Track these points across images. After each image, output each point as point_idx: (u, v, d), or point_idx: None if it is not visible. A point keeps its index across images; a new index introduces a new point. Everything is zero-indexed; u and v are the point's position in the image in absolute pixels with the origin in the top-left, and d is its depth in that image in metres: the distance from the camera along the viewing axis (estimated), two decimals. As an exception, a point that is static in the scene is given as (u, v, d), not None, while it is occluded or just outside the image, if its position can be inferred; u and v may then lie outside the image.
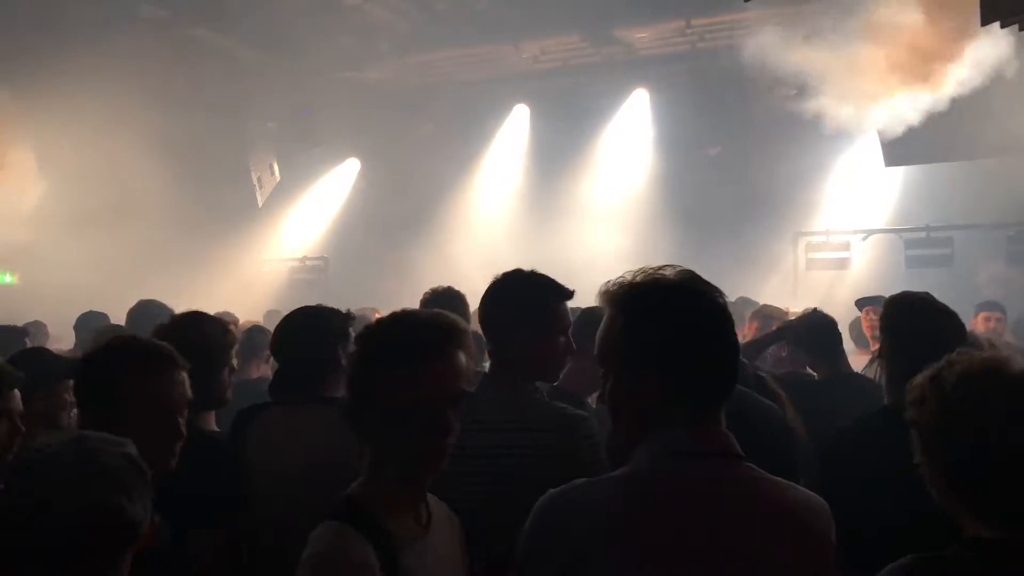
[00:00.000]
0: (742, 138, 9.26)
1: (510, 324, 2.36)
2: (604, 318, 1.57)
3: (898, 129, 7.28)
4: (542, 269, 2.47)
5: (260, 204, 10.54)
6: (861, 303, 5.80)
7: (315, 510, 1.65)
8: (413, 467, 1.61)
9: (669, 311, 1.48)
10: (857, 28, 6.74)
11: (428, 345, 1.60)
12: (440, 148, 10.59)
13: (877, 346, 5.13)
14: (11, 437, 2.49)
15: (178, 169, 8.28)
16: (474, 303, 3.20)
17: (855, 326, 5.94)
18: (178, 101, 8.09)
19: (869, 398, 3.36)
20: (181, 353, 2.06)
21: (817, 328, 4.23)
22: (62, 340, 6.52)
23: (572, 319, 2.51)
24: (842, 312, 5.88)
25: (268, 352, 4.69)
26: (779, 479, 1.49)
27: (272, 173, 10.69)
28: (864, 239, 9.56)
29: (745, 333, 5.31)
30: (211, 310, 3.53)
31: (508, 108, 10.74)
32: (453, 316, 1.69)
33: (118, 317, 5.29)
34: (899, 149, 7.89)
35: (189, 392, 2.05)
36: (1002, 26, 4.58)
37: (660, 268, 1.54)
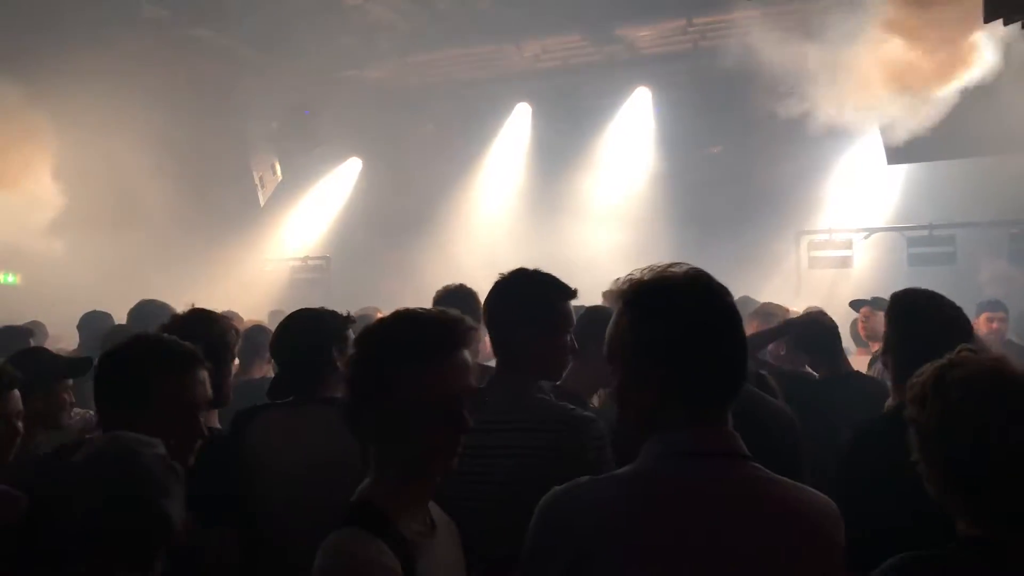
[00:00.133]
0: (744, 137, 9.24)
1: (516, 323, 2.36)
2: (612, 315, 1.56)
3: (900, 128, 7.26)
4: (544, 268, 2.46)
5: (262, 204, 10.55)
6: (855, 304, 5.80)
7: (315, 510, 1.64)
8: (425, 466, 1.59)
9: (674, 309, 1.48)
10: (859, 26, 6.73)
11: (442, 341, 1.58)
12: (442, 147, 10.59)
13: (877, 346, 5.15)
14: (10, 438, 2.49)
15: (179, 169, 8.28)
16: (476, 303, 3.21)
17: (856, 326, 5.94)
18: (179, 101, 8.08)
19: (870, 397, 3.36)
20: None
21: (817, 327, 4.23)
22: (63, 340, 6.53)
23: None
24: (844, 311, 5.89)
25: (270, 353, 4.71)
26: (786, 480, 1.48)
27: (274, 173, 10.69)
28: (866, 238, 9.55)
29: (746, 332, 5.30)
30: (214, 310, 3.54)
31: (509, 107, 10.72)
32: (458, 312, 1.67)
33: (120, 317, 5.30)
34: (901, 147, 7.87)
35: (210, 391, 2.06)
36: (1005, 23, 4.56)
37: (669, 266, 1.53)
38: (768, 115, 7.43)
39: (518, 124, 10.80)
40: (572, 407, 2.32)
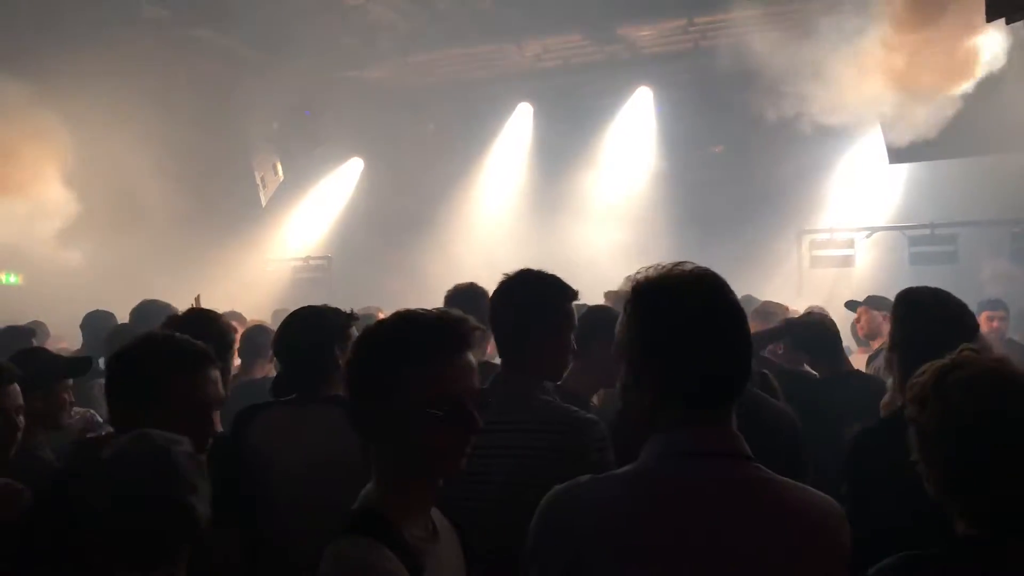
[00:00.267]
0: (745, 136, 9.23)
1: (521, 324, 2.36)
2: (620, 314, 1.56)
3: (901, 127, 7.26)
4: (545, 268, 2.47)
5: (263, 204, 10.54)
6: (850, 305, 5.81)
7: (317, 509, 1.64)
8: (428, 469, 1.56)
9: (674, 307, 1.47)
10: (861, 26, 6.72)
11: (443, 342, 1.56)
12: (443, 147, 10.59)
13: (877, 343, 5.15)
14: (11, 433, 2.49)
15: (181, 169, 8.27)
16: (477, 302, 3.21)
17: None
18: (180, 102, 8.08)
19: (871, 396, 3.35)
20: None
21: (818, 327, 4.23)
22: (64, 340, 6.54)
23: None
24: (845, 310, 5.89)
25: (272, 351, 4.71)
26: (788, 480, 1.48)
27: (275, 173, 10.69)
28: (868, 237, 9.55)
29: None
30: (216, 310, 3.54)
31: (510, 107, 10.72)
32: (459, 313, 1.64)
33: (122, 317, 5.31)
34: (902, 146, 7.86)
35: (222, 390, 2.06)
36: (1008, 22, 4.56)
37: (677, 264, 1.52)
38: (769, 114, 7.42)
39: (519, 124, 10.80)
40: (575, 409, 2.32)
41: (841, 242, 9.49)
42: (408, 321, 1.61)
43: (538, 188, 10.40)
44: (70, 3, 7.21)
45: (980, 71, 6.57)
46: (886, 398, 2.87)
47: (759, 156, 9.21)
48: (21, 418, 2.53)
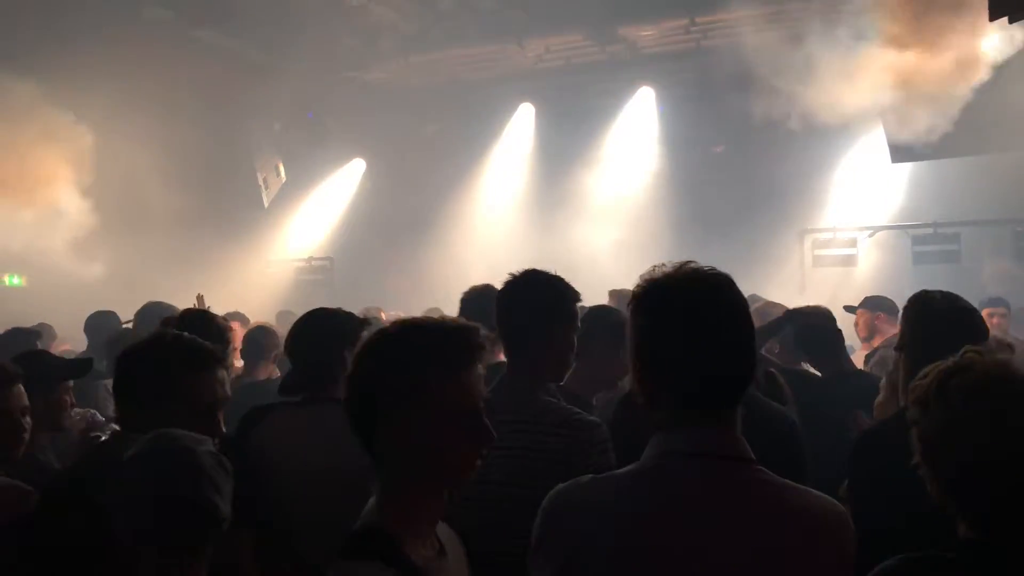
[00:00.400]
0: (747, 135, 9.22)
1: (526, 325, 2.37)
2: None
3: (904, 126, 7.24)
4: (546, 268, 2.47)
5: (266, 205, 10.55)
6: (849, 309, 5.80)
7: (323, 510, 1.63)
8: (442, 478, 1.50)
9: (670, 308, 1.47)
10: (863, 26, 6.71)
11: (468, 350, 1.50)
12: (445, 148, 10.59)
13: (878, 341, 5.14)
14: (16, 434, 2.49)
15: (183, 170, 8.28)
16: (479, 303, 3.20)
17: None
18: (182, 102, 8.09)
19: (873, 396, 3.35)
20: None
21: (820, 326, 4.22)
22: (67, 342, 6.55)
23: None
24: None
25: (275, 353, 4.72)
26: (789, 482, 1.47)
27: (278, 174, 10.69)
28: (871, 236, 9.53)
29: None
30: (218, 311, 3.56)
31: (512, 107, 10.72)
32: (464, 321, 1.59)
33: (126, 318, 5.31)
34: (905, 145, 7.84)
35: (228, 390, 2.07)
36: (1011, 21, 4.55)
37: (684, 263, 1.51)
38: (771, 114, 7.41)
39: (521, 124, 10.80)
40: (577, 411, 2.33)
41: (843, 241, 9.48)
42: (428, 328, 1.54)
43: (539, 188, 10.39)
44: (73, 5, 7.22)
45: (983, 71, 6.56)
46: (880, 398, 2.87)
47: (761, 155, 9.20)
48: (27, 419, 2.54)
